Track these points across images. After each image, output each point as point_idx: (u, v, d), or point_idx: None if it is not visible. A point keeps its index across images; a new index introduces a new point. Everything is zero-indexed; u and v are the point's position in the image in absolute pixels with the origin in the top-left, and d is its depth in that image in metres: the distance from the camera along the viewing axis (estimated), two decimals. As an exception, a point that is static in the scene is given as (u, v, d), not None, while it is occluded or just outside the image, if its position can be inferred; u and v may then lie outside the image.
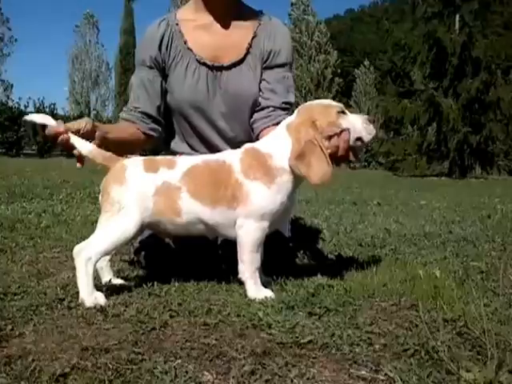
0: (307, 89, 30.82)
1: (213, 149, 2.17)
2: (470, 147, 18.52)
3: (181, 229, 1.75)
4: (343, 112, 1.74)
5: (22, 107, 27.40)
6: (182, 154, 2.19)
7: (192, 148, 2.23)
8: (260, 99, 2.16)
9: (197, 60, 2.13)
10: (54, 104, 28.16)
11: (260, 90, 2.17)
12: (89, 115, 37.49)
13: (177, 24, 2.17)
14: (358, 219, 3.89)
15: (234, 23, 2.17)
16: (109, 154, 1.76)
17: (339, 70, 35.95)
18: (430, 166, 19.23)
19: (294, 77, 2.30)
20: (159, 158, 1.82)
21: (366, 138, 1.75)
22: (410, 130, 19.91)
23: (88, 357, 1.19)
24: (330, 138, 1.71)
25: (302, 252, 2.47)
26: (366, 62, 41.85)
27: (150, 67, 2.14)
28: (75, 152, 1.74)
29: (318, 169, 1.67)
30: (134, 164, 1.73)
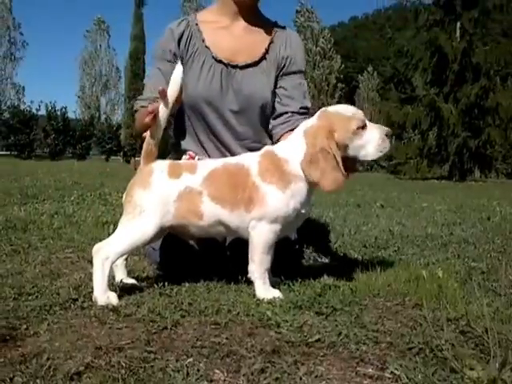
0: (311, 94, 30.86)
1: (222, 145, 2.20)
2: (469, 151, 18.49)
3: (203, 231, 1.76)
4: (363, 126, 1.71)
5: (34, 110, 27.59)
6: (190, 150, 2.21)
7: (201, 145, 2.23)
8: (278, 106, 2.20)
9: (213, 57, 2.16)
10: (66, 107, 28.34)
11: (277, 96, 2.20)
12: (99, 119, 37.66)
13: (196, 24, 2.21)
14: (361, 221, 3.87)
15: (253, 28, 2.22)
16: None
17: (342, 76, 36.00)
18: (430, 169, 19.21)
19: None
20: (182, 162, 1.85)
21: (375, 157, 1.74)
22: (411, 135, 19.88)
23: (102, 355, 1.19)
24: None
25: (308, 253, 2.47)
26: (370, 68, 41.81)
27: (169, 61, 2.16)
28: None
29: (330, 177, 1.66)
30: (160, 169, 1.75)
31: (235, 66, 2.17)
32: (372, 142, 1.72)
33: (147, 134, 1.77)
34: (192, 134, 2.24)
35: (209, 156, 2.18)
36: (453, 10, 18.70)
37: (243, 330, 1.38)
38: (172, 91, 1.74)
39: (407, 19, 23.99)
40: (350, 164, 1.75)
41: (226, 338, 1.32)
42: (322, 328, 1.40)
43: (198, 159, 2.13)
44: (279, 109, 2.19)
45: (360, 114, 1.74)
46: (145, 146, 1.78)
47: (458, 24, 18.64)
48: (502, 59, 18.46)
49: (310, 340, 1.31)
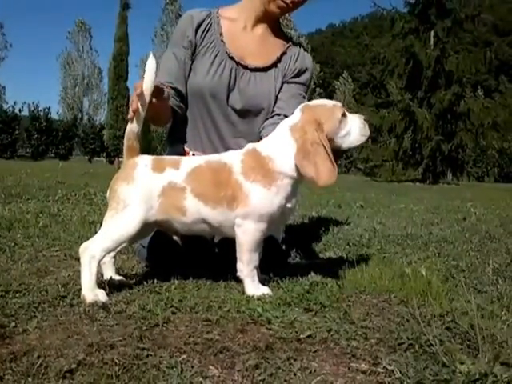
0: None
1: (219, 138, 2.18)
2: (442, 154, 18.78)
3: (187, 227, 1.71)
4: (344, 114, 1.71)
5: (17, 111, 27.19)
6: (186, 144, 2.18)
7: (199, 135, 2.20)
8: (274, 108, 2.18)
9: (226, 53, 2.14)
10: (49, 108, 28.01)
11: (276, 100, 2.19)
12: (81, 119, 37.21)
13: (217, 17, 2.19)
14: (344, 220, 3.87)
15: (270, 37, 2.24)
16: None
17: (321, 81, 36.25)
18: (405, 171, 19.44)
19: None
20: (167, 157, 1.79)
21: (359, 142, 1.75)
22: (387, 138, 20.10)
23: (94, 353, 1.15)
24: None
25: (294, 251, 2.45)
26: (345, 74, 42.24)
27: (184, 47, 2.13)
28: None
29: (325, 170, 1.62)
30: (144, 163, 1.70)
31: (245, 67, 2.15)
32: (355, 127, 1.72)
33: (127, 129, 1.71)
34: (191, 123, 2.20)
35: (203, 149, 2.15)
36: (427, 19, 19.01)
37: (235, 327, 1.35)
38: (147, 87, 1.67)
39: (383, 27, 24.33)
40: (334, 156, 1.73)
41: (219, 335, 1.29)
42: (313, 324, 1.38)
43: (193, 155, 2.10)
44: (274, 110, 2.17)
45: (339, 103, 1.75)
46: (126, 140, 1.72)
47: (432, 33, 18.96)
48: (472, 67, 18.83)
49: (301, 336, 1.29)
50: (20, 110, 27.78)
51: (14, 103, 28.73)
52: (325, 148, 1.63)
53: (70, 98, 42.45)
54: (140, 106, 1.66)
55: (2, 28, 38.26)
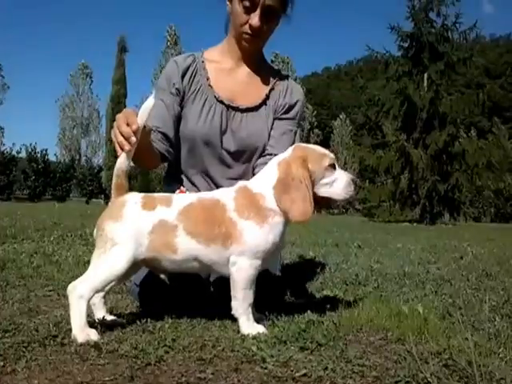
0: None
1: (212, 182, 2.18)
2: (438, 195, 18.88)
3: (176, 265, 1.69)
4: (333, 165, 1.73)
5: (15, 152, 27.47)
6: (181, 185, 2.19)
7: (190, 180, 2.21)
8: (266, 146, 2.20)
9: (215, 97, 2.16)
10: (46, 150, 28.30)
11: (268, 137, 2.21)
12: (79, 161, 37.50)
13: (202, 62, 2.22)
14: (341, 259, 3.86)
15: (256, 74, 2.26)
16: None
17: (316, 123, 36.85)
18: (402, 212, 19.47)
19: (299, 133, 2.34)
20: (157, 195, 1.78)
21: (340, 197, 1.74)
22: (384, 178, 20.25)
23: (83, 392, 1.13)
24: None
25: (290, 290, 2.43)
26: (342, 116, 42.97)
27: (172, 93, 2.15)
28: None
29: (300, 208, 1.64)
30: (134, 201, 1.69)
31: (236, 109, 2.18)
32: (340, 182, 1.73)
33: (116, 166, 1.70)
34: (185, 169, 2.21)
35: (199, 190, 2.15)
36: (420, 61, 19.53)
37: (229, 366, 1.33)
38: (140, 121, 1.68)
39: (377, 70, 24.94)
40: (324, 199, 1.74)
41: (212, 374, 1.26)
42: (308, 363, 1.36)
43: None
44: (266, 149, 2.19)
45: (332, 154, 1.76)
46: (114, 178, 1.71)
47: (426, 75, 19.43)
48: (466, 109, 19.19)
49: (296, 375, 1.27)
50: (18, 152, 28.08)
51: (13, 145, 29.12)
52: (306, 186, 1.65)
53: (68, 140, 42.88)
54: (132, 142, 1.66)
55: (1, 70, 38.77)
